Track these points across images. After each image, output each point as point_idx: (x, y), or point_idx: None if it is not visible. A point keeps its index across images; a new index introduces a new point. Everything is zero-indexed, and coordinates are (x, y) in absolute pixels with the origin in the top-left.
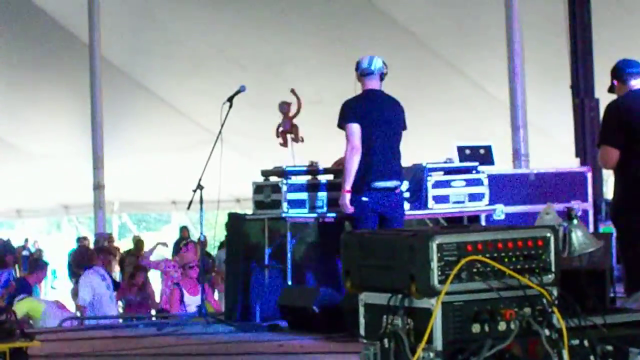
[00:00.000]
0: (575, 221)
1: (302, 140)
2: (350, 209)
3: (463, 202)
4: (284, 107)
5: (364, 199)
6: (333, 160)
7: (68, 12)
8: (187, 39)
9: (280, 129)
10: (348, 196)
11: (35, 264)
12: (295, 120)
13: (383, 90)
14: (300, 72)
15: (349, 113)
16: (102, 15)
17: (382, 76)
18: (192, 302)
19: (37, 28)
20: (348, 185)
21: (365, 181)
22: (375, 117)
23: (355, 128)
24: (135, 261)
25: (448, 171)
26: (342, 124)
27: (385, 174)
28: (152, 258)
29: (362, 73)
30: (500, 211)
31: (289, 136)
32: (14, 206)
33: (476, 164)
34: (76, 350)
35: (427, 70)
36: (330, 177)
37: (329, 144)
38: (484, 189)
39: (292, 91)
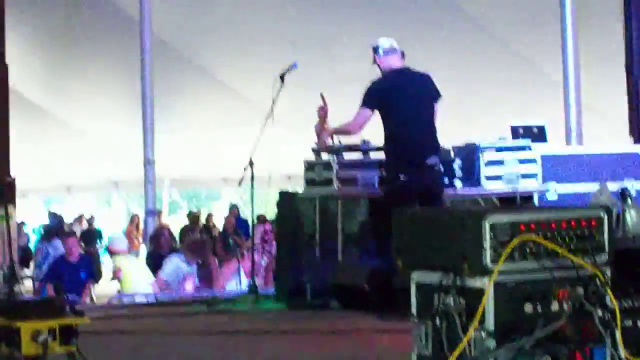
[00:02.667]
0: (629, 201)
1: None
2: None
3: (516, 181)
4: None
5: (402, 177)
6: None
7: None
8: (237, 16)
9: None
10: (325, 135)
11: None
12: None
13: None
14: (351, 50)
15: (369, 97)
16: None
17: (402, 54)
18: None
19: (87, 4)
20: (333, 130)
21: (402, 160)
22: (405, 95)
23: (363, 113)
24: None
25: (501, 150)
26: (360, 103)
27: (422, 151)
28: None
29: (385, 52)
30: (554, 191)
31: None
32: (64, 182)
33: (529, 142)
34: (126, 328)
35: (481, 50)
36: (382, 154)
37: (380, 121)
38: (537, 168)
39: (322, 96)
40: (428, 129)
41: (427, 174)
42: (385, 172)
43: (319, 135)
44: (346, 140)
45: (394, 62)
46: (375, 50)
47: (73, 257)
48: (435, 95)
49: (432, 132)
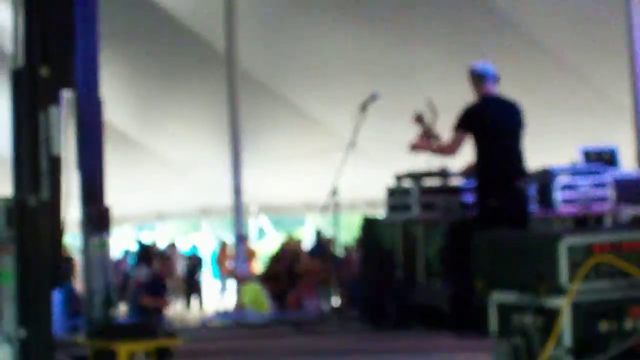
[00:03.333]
0: None
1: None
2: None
3: (589, 204)
4: (420, 117)
5: (492, 201)
6: (464, 164)
7: (204, 22)
8: (320, 49)
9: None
10: (421, 147)
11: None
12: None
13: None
14: (431, 79)
15: (464, 120)
16: (238, 25)
17: (497, 79)
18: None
19: (173, 38)
20: (429, 148)
21: (493, 184)
22: (498, 121)
23: (459, 138)
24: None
25: (574, 173)
26: (454, 127)
27: (512, 176)
28: None
29: (480, 77)
30: (626, 213)
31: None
32: (155, 210)
33: (601, 166)
34: (218, 349)
35: (550, 77)
36: (461, 180)
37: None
38: (609, 191)
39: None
40: (518, 154)
41: (518, 199)
42: (477, 195)
43: (418, 142)
44: (426, 165)
45: (489, 88)
46: (472, 74)
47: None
48: (522, 124)
49: (522, 158)
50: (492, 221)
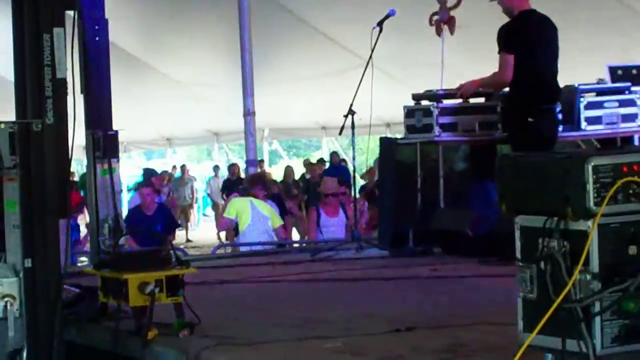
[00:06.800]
0: None
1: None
2: (463, 90)
3: (616, 123)
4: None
5: (530, 119)
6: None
7: None
8: None
9: (435, 17)
10: (472, 86)
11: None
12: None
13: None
14: None
15: (507, 40)
16: None
17: None
18: (330, 224)
19: None
20: (480, 83)
21: (532, 103)
22: (536, 39)
23: (509, 59)
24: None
25: (600, 92)
26: (499, 50)
27: (550, 95)
28: None
29: None
30: None
31: (445, 26)
32: (165, 134)
33: (629, 84)
34: (231, 277)
35: None
36: (481, 99)
37: (477, 67)
38: (637, 110)
39: None
40: (555, 73)
41: (554, 119)
42: (512, 114)
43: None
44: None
45: (524, 4)
46: None
47: (147, 210)
48: (557, 38)
49: (556, 76)
50: (529, 141)
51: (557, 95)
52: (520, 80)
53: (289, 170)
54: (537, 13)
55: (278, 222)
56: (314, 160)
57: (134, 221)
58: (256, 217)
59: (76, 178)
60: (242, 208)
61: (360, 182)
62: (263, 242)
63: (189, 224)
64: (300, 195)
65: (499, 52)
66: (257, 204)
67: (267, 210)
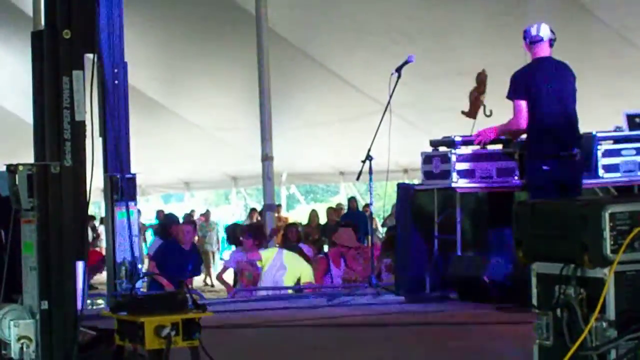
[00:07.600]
0: None
1: (490, 114)
2: (481, 138)
3: (634, 171)
4: (481, 76)
5: (544, 167)
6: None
7: None
8: (353, 10)
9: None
10: (491, 133)
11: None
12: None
13: (552, 57)
14: (466, 43)
15: (516, 86)
16: None
17: (551, 42)
18: (335, 274)
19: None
20: (500, 131)
21: (544, 150)
22: (546, 85)
23: (522, 105)
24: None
25: (618, 140)
26: (510, 97)
27: (565, 142)
28: None
29: (532, 41)
30: None
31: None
32: (183, 178)
33: None
34: (248, 321)
35: (596, 39)
36: (499, 146)
37: (497, 116)
38: None
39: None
40: (570, 118)
41: (570, 165)
42: (527, 162)
43: (472, 102)
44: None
45: (539, 51)
46: (524, 37)
47: (186, 245)
48: (574, 88)
49: (574, 122)
50: (543, 188)
51: (574, 141)
52: (532, 127)
53: (313, 215)
54: (551, 60)
55: (306, 275)
56: (334, 205)
57: (168, 251)
58: (273, 266)
59: (96, 222)
60: (267, 258)
61: (380, 229)
62: (279, 287)
63: (210, 269)
64: (321, 240)
65: (510, 98)
66: (285, 253)
67: (292, 262)
